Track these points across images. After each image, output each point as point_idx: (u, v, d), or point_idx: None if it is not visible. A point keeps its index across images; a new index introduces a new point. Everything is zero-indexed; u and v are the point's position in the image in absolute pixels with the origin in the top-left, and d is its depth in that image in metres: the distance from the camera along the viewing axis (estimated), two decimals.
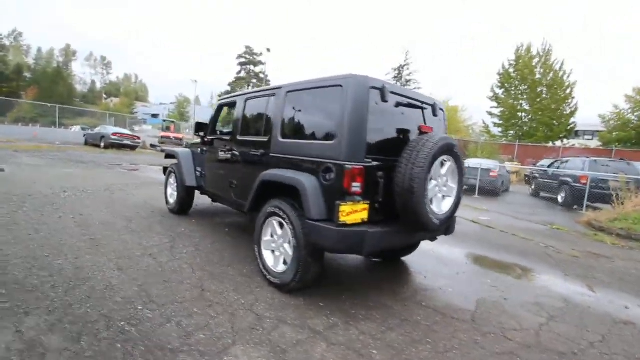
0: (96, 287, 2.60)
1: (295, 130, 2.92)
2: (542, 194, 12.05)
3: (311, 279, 2.69)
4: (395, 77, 35.94)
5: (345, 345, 2.16)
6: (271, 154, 3.07)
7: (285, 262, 2.84)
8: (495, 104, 25.66)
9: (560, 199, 10.44)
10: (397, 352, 2.14)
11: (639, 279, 4.03)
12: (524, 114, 24.53)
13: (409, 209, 2.44)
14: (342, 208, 2.33)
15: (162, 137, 20.98)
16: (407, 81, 35.58)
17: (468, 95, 76.85)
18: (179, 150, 5.00)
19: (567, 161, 11.39)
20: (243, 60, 30.33)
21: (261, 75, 30.30)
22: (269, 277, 2.88)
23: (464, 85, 79.15)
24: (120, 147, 17.16)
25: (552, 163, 12.15)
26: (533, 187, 12.86)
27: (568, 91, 22.40)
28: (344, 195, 2.38)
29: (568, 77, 22.40)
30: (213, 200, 4.83)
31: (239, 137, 3.64)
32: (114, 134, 16.94)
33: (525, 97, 23.87)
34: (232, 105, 3.93)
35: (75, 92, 58.16)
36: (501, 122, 25.60)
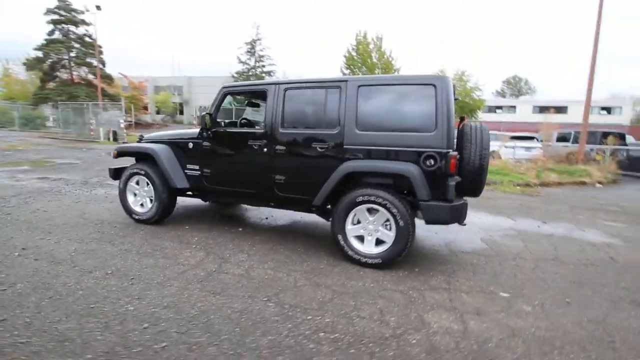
0: (249, 330, 2.27)
1: (376, 122, 3.13)
2: None
3: None
4: (248, 51, 35.34)
5: (479, 290, 2.81)
6: (346, 146, 3.19)
7: (378, 243, 3.16)
8: None
9: None
10: (521, 289, 2.95)
11: (519, 207, 6.25)
12: None
13: (478, 182, 3.21)
14: (452, 188, 2.87)
15: None
16: (261, 56, 35.66)
17: (323, 73, 79.82)
18: (154, 146, 4.05)
19: None
20: (56, 17, 22.55)
21: (87, 39, 23.64)
22: (364, 259, 3.12)
23: (316, 63, 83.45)
24: None
25: None
26: None
27: (396, 74, 27.98)
28: (448, 177, 2.92)
29: (395, 62, 27.90)
30: (208, 200, 4.28)
31: (281, 130, 3.44)
32: None
33: None
34: (255, 94, 3.53)
35: None
36: None
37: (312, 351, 1.96)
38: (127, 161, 4.58)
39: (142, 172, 4.09)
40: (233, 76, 34.49)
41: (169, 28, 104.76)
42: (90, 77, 24.29)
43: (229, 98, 4.16)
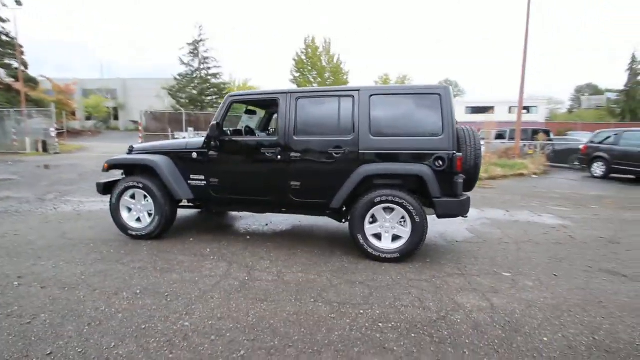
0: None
1: (388, 128, 3.40)
2: None
3: None
4: (191, 53, 33.66)
5: (487, 273, 3.23)
6: (361, 151, 3.42)
7: (394, 239, 3.44)
8: (295, 86, 29.62)
9: None
10: (517, 268, 3.42)
11: (481, 199, 7.04)
12: None
13: (473, 178, 3.66)
14: (460, 185, 3.26)
15: None
16: (205, 58, 34.19)
17: (271, 76, 76.77)
18: (153, 157, 3.86)
19: None
20: None
21: (4, 38, 20.55)
22: (383, 255, 3.38)
23: (265, 67, 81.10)
24: None
25: None
26: None
27: (345, 77, 28.98)
28: (455, 176, 3.30)
29: (344, 65, 28.91)
30: (210, 210, 4.19)
31: (296, 138, 3.56)
32: None
33: (318, 80, 28.91)
34: (264, 103, 3.57)
35: None
36: None
37: (381, 340, 2.15)
38: (103, 175, 4.31)
39: (140, 185, 3.89)
40: (176, 78, 32.70)
41: (98, 27, 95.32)
42: (9, 80, 21.27)
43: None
